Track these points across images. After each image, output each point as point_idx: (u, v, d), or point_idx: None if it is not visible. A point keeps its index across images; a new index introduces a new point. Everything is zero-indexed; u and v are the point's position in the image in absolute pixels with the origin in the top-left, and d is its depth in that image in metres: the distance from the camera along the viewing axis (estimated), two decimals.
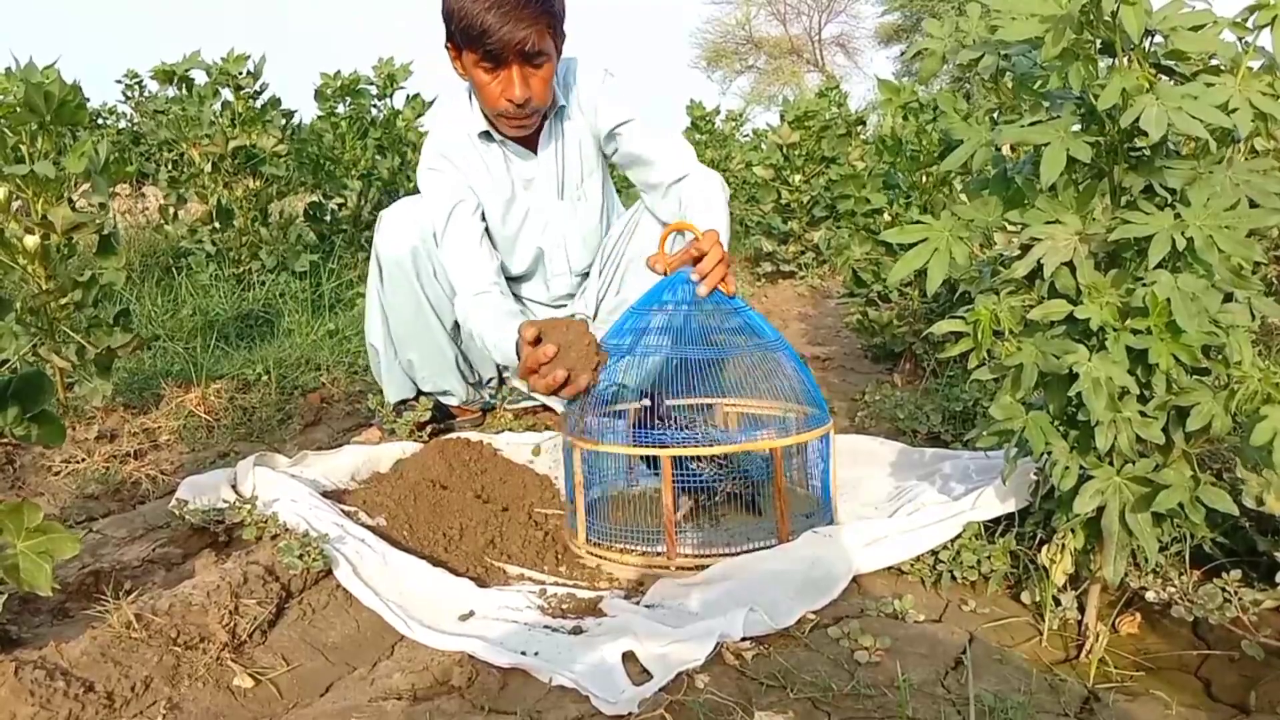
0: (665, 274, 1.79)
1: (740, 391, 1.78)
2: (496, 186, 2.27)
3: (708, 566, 1.62)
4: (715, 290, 1.73)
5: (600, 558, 1.70)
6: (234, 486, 1.93)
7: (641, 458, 1.80)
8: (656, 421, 1.73)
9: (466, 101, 2.25)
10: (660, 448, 1.66)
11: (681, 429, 1.75)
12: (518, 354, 1.77)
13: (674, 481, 1.65)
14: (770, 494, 1.72)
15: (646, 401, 1.77)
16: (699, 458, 1.69)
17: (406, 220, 2.28)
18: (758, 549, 1.65)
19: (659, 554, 1.66)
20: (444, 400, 2.48)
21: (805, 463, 1.82)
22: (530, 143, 2.26)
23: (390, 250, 2.29)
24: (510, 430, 2.40)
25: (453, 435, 2.22)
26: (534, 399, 2.50)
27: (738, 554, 1.65)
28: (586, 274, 2.44)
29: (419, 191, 2.31)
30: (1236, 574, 1.40)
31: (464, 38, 2.02)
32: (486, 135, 2.24)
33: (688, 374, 1.74)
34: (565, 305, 2.46)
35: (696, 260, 1.73)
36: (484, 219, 2.26)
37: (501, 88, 2.08)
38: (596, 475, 1.83)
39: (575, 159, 2.32)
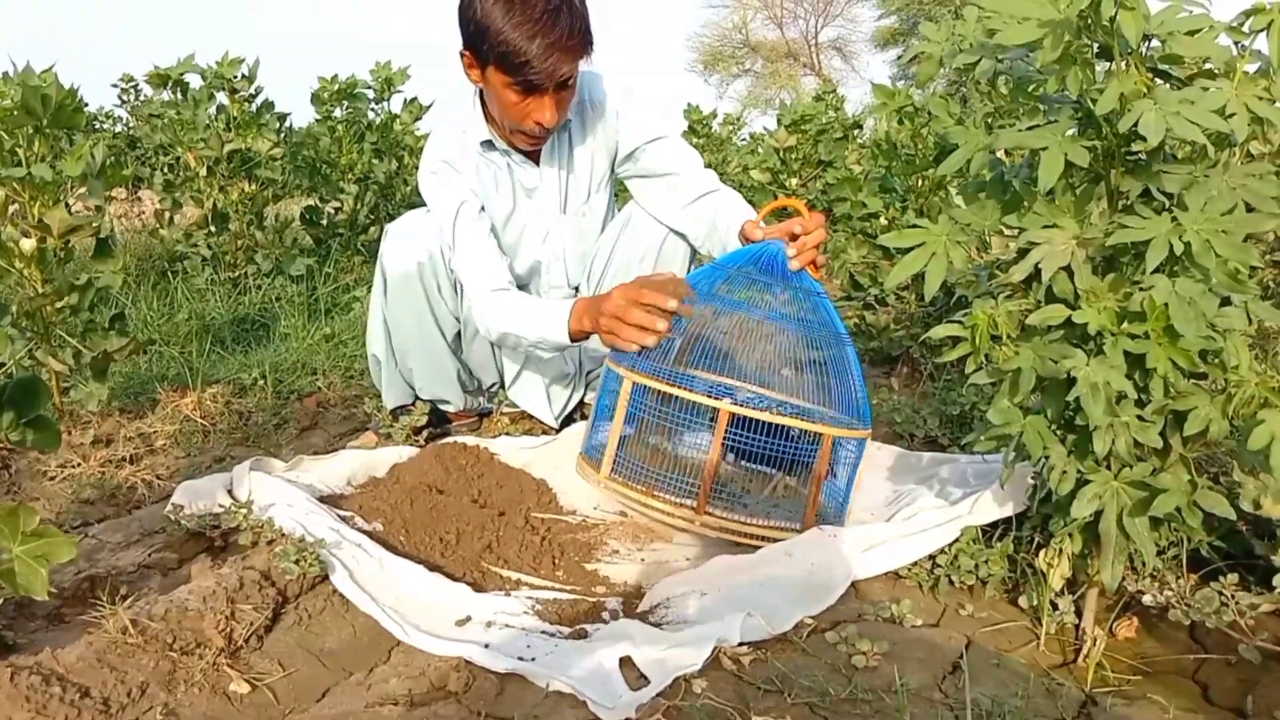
0: (762, 239, 1.81)
1: (789, 382, 1.76)
2: (499, 194, 2.26)
3: (731, 532, 1.60)
4: (803, 271, 1.75)
5: (621, 493, 1.65)
6: (230, 491, 1.92)
7: (687, 406, 1.74)
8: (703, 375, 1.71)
9: (469, 107, 2.22)
10: (721, 399, 1.64)
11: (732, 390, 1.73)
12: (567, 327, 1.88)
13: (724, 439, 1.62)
14: (800, 477, 1.72)
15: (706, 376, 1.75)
16: (748, 423, 1.66)
17: (414, 235, 2.26)
18: (777, 527, 1.64)
19: (687, 505, 1.63)
20: (442, 407, 2.48)
21: (835, 459, 1.81)
22: (533, 153, 2.26)
23: (397, 265, 2.26)
24: (507, 434, 2.39)
25: (449, 440, 2.22)
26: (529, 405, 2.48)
27: (762, 527, 1.63)
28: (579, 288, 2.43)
29: (419, 195, 2.29)
30: (1234, 578, 1.40)
31: (500, 62, 1.95)
32: (489, 143, 2.22)
33: (747, 343, 1.72)
34: None
35: (793, 238, 1.76)
36: (489, 220, 2.25)
37: (531, 109, 2.03)
38: (629, 415, 1.75)
39: (584, 174, 2.30)
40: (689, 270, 2.32)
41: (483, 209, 2.21)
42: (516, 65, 1.93)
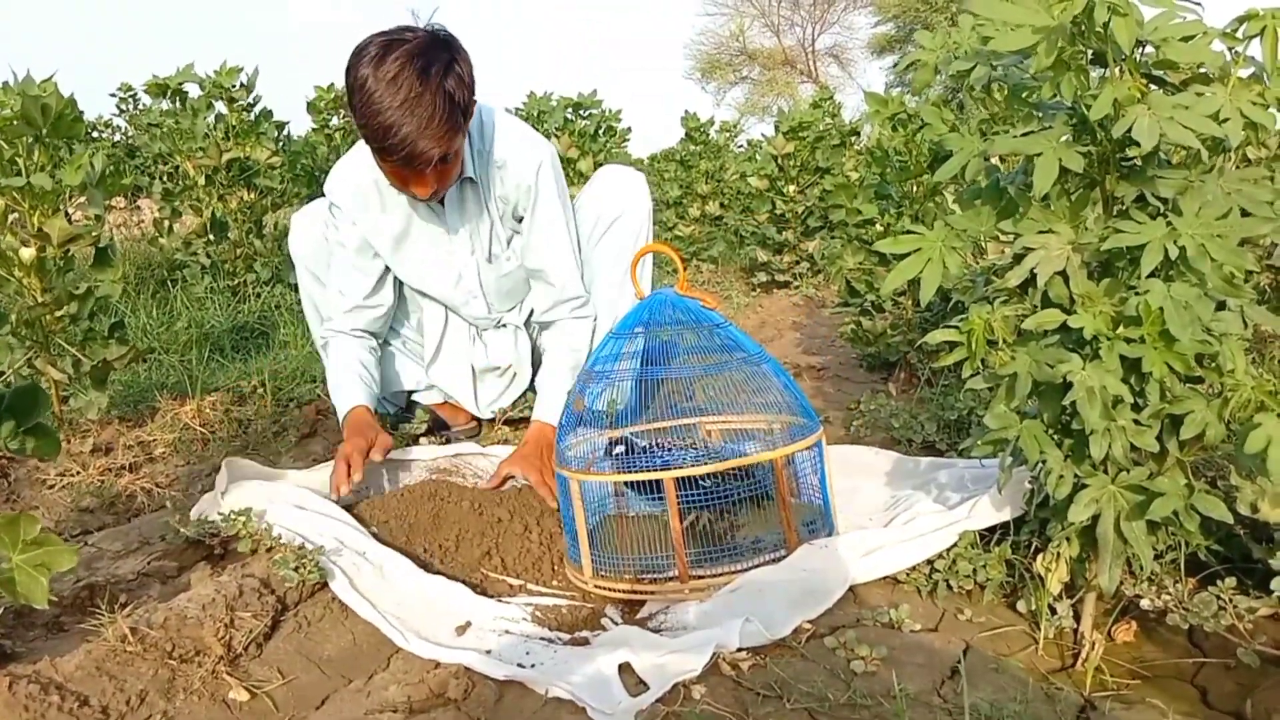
0: (639, 298, 1.83)
1: (726, 407, 1.79)
2: (392, 225, 2.25)
3: (723, 585, 1.60)
4: (694, 308, 1.74)
5: (611, 591, 1.65)
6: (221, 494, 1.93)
7: (632, 484, 1.78)
8: (642, 446, 1.74)
9: None
10: (663, 470, 1.64)
11: (668, 451, 1.76)
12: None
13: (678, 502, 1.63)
14: (768, 506, 1.72)
15: (627, 432, 1.79)
16: (699, 476, 1.67)
17: (312, 219, 2.38)
18: (767, 562, 1.64)
19: (671, 579, 1.64)
20: (425, 399, 2.49)
21: (795, 473, 1.81)
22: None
23: (301, 248, 2.40)
24: (508, 442, 2.39)
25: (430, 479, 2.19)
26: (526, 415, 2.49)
27: (749, 569, 1.63)
28: (511, 309, 2.45)
29: None
30: (1231, 581, 1.40)
31: (369, 139, 1.92)
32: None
33: (670, 394, 1.74)
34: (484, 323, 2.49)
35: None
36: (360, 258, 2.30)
37: (406, 182, 2.01)
38: (586, 505, 1.76)
39: (501, 224, 2.28)
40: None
41: (360, 244, 2.27)
42: (381, 149, 1.91)
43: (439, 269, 2.31)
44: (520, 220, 2.27)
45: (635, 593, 1.63)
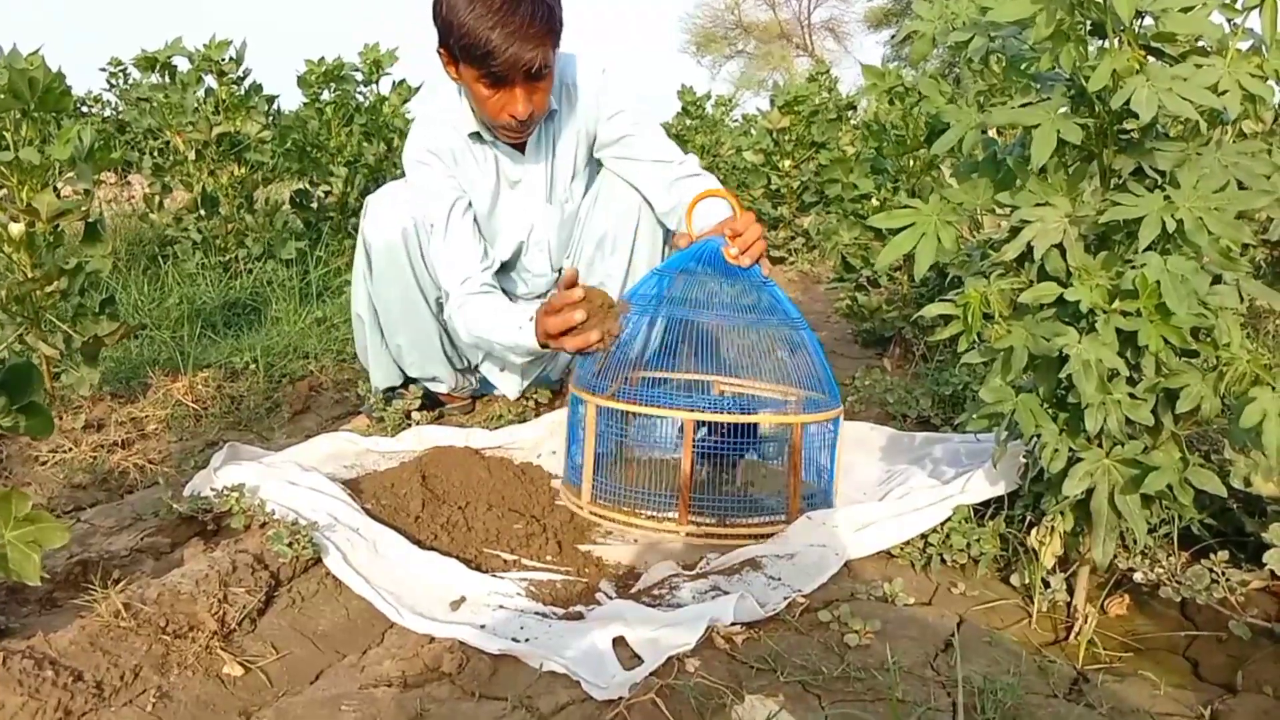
0: (692, 243, 1.81)
1: (747, 370, 1.77)
2: (482, 185, 2.26)
3: (717, 537, 1.60)
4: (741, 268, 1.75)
5: (605, 518, 1.66)
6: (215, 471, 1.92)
7: (651, 422, 1.77)
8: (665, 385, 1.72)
9: (456, 97, 2.20)
10: (687, 410, 1.64)
11: (689, 393, 1.74)
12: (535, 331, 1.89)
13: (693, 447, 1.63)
14: (770, 471, 1.72)
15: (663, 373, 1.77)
16: (711, 426, 1.67)
17: (396, 204, 2.26)
18: (764, 523, 1.64)
19: (669, 519, 1.64)
20: (432, 386, 2.47)
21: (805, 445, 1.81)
22: (519, 144, 2.25)
23: (380, 235, 2.26)
24: (502, 417, 2.39)
25: (443, 442, 2.17)
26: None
27: (748, 526, 1.63)
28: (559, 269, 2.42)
29: (404, 177, 2.29)
30: (1224, 555, 1.41)
31: (465, 55, 1.96)
32: (477, 135, 2.21)
33: (702, 343, 1.73)
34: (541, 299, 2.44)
35: (733, 235, 1.76)
36: (474, 218, 2.25)
37: (503, 103, 2.03)
38: (599, 432, 1.76)
39: (566, 162, 2.30)
40: (664, 242, 2.32)
41: (469, 207, 2.21)
42: (479, 57, 1.93)
43: (516, 219, 2.31)
44: (591, 148, 2.31)
45: (629, 524, 1.64)
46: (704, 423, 1.67)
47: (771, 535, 1.69)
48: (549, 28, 1.95)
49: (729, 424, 1.69)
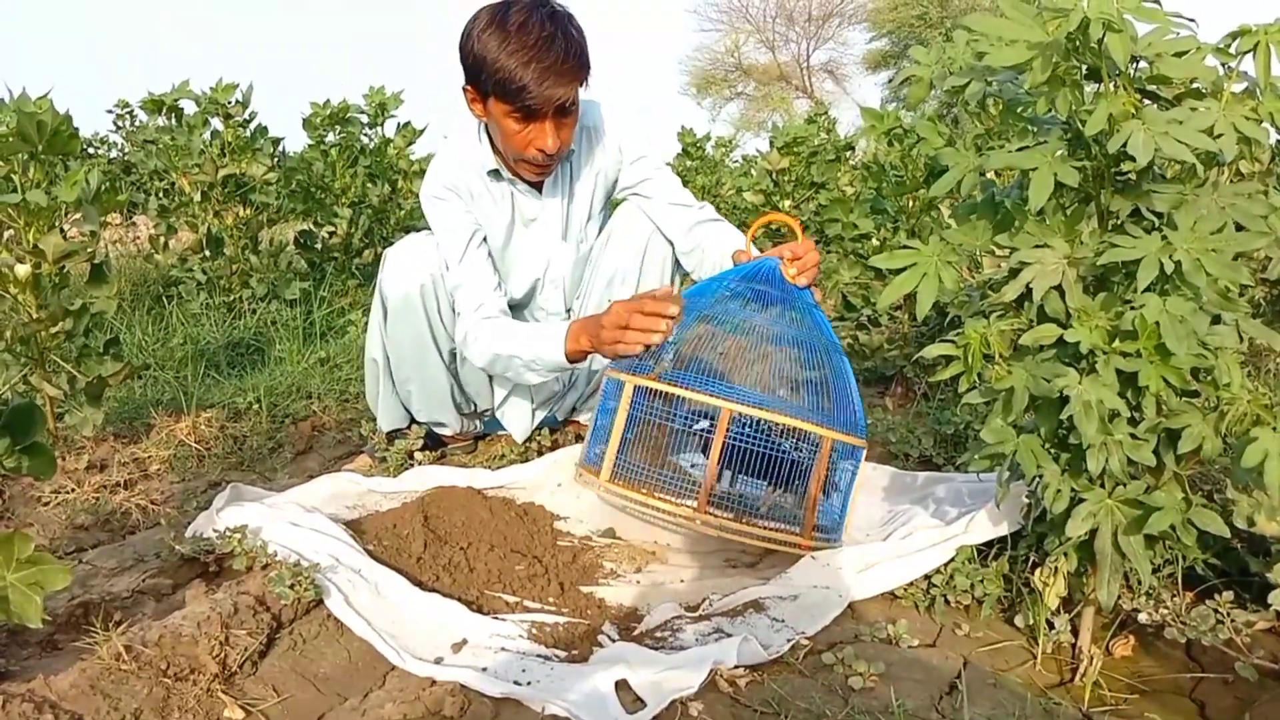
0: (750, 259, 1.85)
1: (774, 395, 1.77)
2: (497, 222, 2.28)
3: (731, 531, 1.62)
4: (794, 290, 1.79)
5: (622, 496, 1.66)
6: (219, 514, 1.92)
7: (685, 417, 1.78)
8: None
9: (475, 137, 2.23)
10: (723, 399, 1.65)
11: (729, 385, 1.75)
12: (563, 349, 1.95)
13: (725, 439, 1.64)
14: (790, 484, 1.73)
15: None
16: (747, 428, 1.67)
17: (414, 257, 2.26)
18: (782, 529, 1.66)
19: (687, 505, 1.64)
20: (438, 430, 2.47)
21: (830, 476, 1.81)
22: (537, 183, 2.27)
23: (397, 287, 2.26)
24: (504, 457, 2.39)
25: (446, 482, 2.17)
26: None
27: (764, 528, 1.65)
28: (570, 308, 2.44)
29: (413, 218, 2.31)
30: (1229, 595, 1.40)
31: (498, 90, 1.99)
32: (495, 173, 2.24)
33: (745, 364, 1.73)
34: None
35: (794, 257, 1.80)
36: (489, 252, 2.27)
37: (532, 137, 2.06)
38: (631, 418, 1.74)
39: (583, 202, 2.32)
40: (676, 278, 2.35)
41: (485, 239, 2.23)
42: (513, 92, 1.96)
43: (532, 256, 2.33)
44: (609, 192, 2.36)
45: (644, 504, 1.65)
46: (738, 424, 1.67)
47: (785, 542, 1.69)
48: (580, 63, 2.00)
49: (764, 433, 1.69)
